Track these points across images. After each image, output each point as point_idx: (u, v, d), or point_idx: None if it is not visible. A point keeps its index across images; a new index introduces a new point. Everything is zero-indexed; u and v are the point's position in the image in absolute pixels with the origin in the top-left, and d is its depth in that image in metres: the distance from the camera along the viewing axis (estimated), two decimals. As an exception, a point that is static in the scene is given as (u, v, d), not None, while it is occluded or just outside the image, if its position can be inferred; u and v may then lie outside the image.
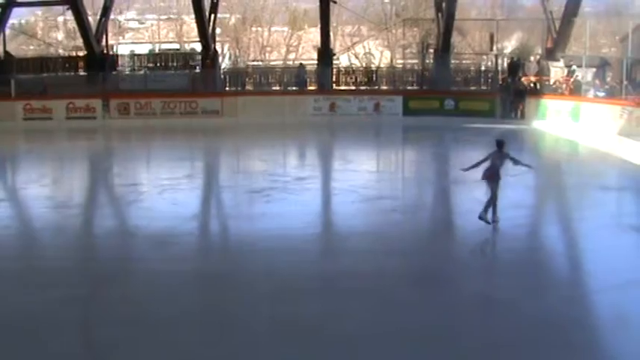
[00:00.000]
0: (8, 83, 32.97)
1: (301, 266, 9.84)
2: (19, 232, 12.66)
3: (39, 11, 53.87)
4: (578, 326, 7.66)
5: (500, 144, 11.62)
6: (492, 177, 11.40)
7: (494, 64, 35.36)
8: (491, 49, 36.48)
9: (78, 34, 38.87)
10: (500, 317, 7.82)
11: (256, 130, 28.33)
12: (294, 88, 34.33)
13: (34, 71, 36.17)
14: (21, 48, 49.79)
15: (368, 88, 34.21)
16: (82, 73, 35.62)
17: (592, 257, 10.56)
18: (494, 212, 11.44)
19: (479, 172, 11.38)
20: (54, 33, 55.41)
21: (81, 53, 38.35)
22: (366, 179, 17.84)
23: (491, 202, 11.41)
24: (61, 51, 48.65)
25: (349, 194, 15.01)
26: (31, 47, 52.02)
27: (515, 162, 11.61)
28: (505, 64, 34.26)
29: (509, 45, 48.81)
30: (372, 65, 44.05)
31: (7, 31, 39.11)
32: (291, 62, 48.56)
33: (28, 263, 10.28)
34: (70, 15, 37.12)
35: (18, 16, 44.89)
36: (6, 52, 37.42)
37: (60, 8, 39.11)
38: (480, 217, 11.24)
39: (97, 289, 8.91)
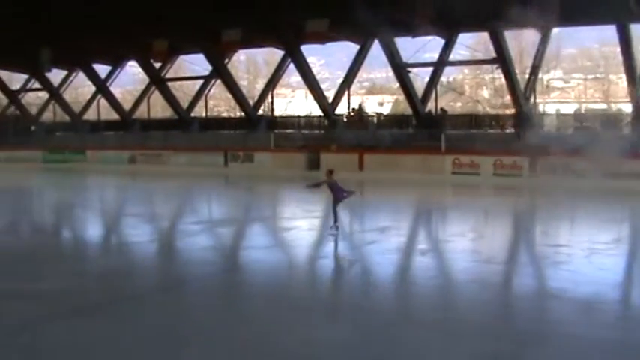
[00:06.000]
0: (439, 138, 34.64)
1: None
2: (440, 283, 13.05)
3: (466, 69, 56.08)
4: None
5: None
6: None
7: None
8: None
9: (504, 92, 39.76)
10: None
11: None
12: None
13: (462, 127, 37.64)
14: (449, 104, 52.15)
15: None
16: (508, 130, 36.33)
17: None
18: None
19: None
20: (480, 90, 57.24)
21: (507, 111, 39.19)
22: None
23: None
24: (487, 108, 50.09)
25: None
26: (458, 104, 54.26)
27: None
28: None
29: None
30: None
31: (438, 88, 41.33)
32: None
33: (448, 314, 10.53)
34: (497, 73, 38.11)
35: (446, 74, 47.42)
36: (441, 109, 39.52)
37: (489, 67, 40.27)
38: None
39: (517, 347, 8.88)
